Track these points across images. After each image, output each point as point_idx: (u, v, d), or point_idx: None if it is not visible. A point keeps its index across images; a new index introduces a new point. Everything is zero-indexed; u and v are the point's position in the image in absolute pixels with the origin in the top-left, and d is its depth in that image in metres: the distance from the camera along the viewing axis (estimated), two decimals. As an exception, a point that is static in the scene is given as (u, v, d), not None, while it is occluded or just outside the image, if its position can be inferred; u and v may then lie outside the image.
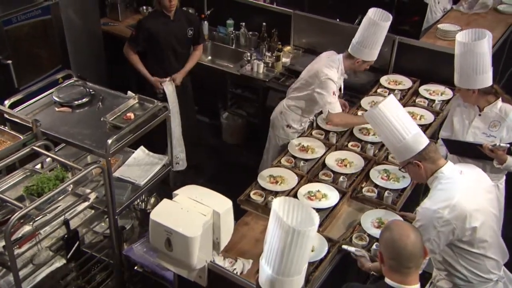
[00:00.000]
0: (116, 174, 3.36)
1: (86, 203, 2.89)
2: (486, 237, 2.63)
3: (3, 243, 2.52)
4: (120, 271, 3.32)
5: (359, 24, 3.81)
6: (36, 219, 2.63)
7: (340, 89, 3.96)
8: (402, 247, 2.14)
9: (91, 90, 3.50)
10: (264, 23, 5.18)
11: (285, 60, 4.99)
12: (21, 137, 3.02)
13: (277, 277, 1.95)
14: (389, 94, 4.33)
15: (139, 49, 4.49)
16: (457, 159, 3.38)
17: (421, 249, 2.17)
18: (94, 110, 3.37)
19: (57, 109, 3.36)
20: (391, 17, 3.67)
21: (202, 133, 5.43)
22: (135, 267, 3.28)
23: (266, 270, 1.98)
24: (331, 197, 3.29)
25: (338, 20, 4.97)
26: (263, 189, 3.39)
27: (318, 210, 3.03)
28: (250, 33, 5.35)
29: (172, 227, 2.35)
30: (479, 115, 3.36)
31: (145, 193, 3.52)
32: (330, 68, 3.75)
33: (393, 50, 4.60)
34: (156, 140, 3.57)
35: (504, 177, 3.48)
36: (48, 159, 3.03)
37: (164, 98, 4.35)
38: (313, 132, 3.94)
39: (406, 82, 4.46)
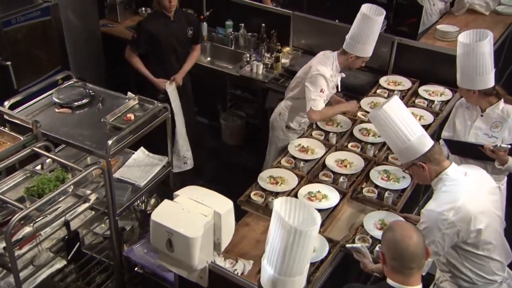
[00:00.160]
0: (116, 175, 3.36)
1: (87, 204, 2.88)
2: (491, 239, 2.63)
3: (4, 244, 2.52)
4: (120, 273, 3.31)
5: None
6: (37, 220, 2.63)
7: (337, 87, 3.97)
8: (405, 248, 2.14)
9: (91, 91, 3.50)
10: (263, 24, 5.18)
11: (285, 61, 4.99)
12: (21, 138, 3.01)
13: (279, 277, 1.95)
14: (388, 95, 4.34)
15: (141, 51, 4.49)
16: (459, 159, 3.38)
17: (423, 249, 2.17)
18: (94, 111, 3.37)
19: (57, 110, 3.37)
20: (384, 11, 3.69)
21: (203, 134, 5.43)
22: (136, 268, 3.28)
23: (268, 270, 1.98)
24: (331, 197, 3.29)
25: (337, 21, 4.97)
26: (264, 190, 3.39)
27: (318, 210, 2.95)
28: (249, 34, 5.35)
29: (173, 228, 2.35)
30: (481, 115, 3.36)
31: (145, 194, 3.53)
32: (323, 65, 3.77)
33: (392, 51, 4.60)
34: (156, 141, 3.57)
35: (506, 178, 3.48)
36: (48, 160, 3.02)
37: (165, 99, 4.34)
38: (313, 133, 3.94)
39: (405, 83, 4.46)
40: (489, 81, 3.25)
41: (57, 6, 4.61)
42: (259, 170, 3.59)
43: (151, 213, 2.46)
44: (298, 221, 1.88)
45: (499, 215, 2.72)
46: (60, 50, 4.78)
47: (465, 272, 2.71)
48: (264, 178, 3.45)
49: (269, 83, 4.80)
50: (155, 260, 3.13)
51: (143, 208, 3.65)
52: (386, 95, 4.33)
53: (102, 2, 5.69)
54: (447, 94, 4.32)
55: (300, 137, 3.94)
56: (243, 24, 5.34)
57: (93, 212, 3.06)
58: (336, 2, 6.07)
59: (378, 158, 3.65)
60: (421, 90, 4.37)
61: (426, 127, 3.92)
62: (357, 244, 2.88)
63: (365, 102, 4.24)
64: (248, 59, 5.01)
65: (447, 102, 4.24)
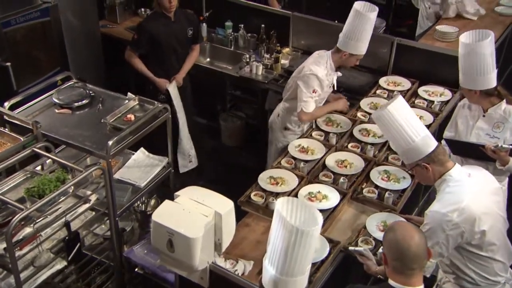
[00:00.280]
0: (116, 176, 3.36)
1: (87, 205, 2.88)
2: (495, 240, 2.63)
3: (4, 245, 2.51)
4: (121, 273, 3.31)
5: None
6: (37, 221, 2.63)
7: (333, 86, 3.98)
8: (406, 248, 2.14)
9: (91, 92, 3.50)
10: (262, 25, 5.18)
11: (284, 61, 4.99)
12: (21, 139, 3.01)
13: (281, 278, 1.95)
14: (388, 95, 4.34)
15: (141, 52, 4.48)
16: (460, 160, 3.38)
17: (425, 250, 2.17)
18: (94, 112, 3.37)
19: (57, 111, 3.37)
20: (377, 8, 3.70)
21: (202, 135, 5.43)
22: (136, 269, 3.28)
23: (269, 270, 1.98)
24: (332, 198, 3.29)
25: (336, 21, 4.97)
26: (264, 190, 3.39)
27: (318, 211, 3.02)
28: (249, 34, 5.35)
29: (174, 228, 2.35)
30: (483, 116, 3.36)
31: (145, 195, 3.52)
32: (316, 64, 3.78)
33: (392, 52, 4.61)
34: (156, 141, 3.56)
35: (507, 179, 3.47)
36: (49, 161, 3.02)
37: (166, 100, 4.34)
38: (313, 133, 3.94)
39: (405, 83, 4.46)
40: (491, 81, 3.25)
41: (57, 7, 4.60)
42: (259, 170, 3.58)
43: (151, 214, 2.46)
44: (300, 221, 1.88)
45: (502, 215, 2.72)
46: (60, 51, 4.78)
47: (468, 273, 2.71)
48: (264, 178, 3.45)
49: (269, 84, 4.79)
50: (155, 261, 3.13)
51: (143, 209, 3.64)
52: (385, 95, 4.33)
53: (101, 3, 5.68)
54: (447, 94, 4.32)
55: (300, 137, 3.94)
56: (242, 25, 5.34)
57: (94, 213, 3.06)
58: (335, 2, 6.08)
59: (378, 158, 3.65)
60: (421, 91, 4.37)
61: (426, 128, 3.92)
62: (360, 248, 2.86)
63: (364, 102, 4.24)
64: (248, 60, 5.01)
65: (446, 102, 4.24)
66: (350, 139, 3.89)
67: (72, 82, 3.60)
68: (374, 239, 3.02)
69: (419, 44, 4.83)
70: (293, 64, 4.97)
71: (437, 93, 4.33)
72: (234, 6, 5.43)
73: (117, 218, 3.16)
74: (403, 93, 4.35)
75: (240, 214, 3.22)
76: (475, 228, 2.55)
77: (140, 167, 3.50)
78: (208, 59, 5.52)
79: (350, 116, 4.10)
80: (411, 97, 4.35)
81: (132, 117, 3.27)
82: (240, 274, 2.81)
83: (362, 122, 4.02)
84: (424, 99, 4.28)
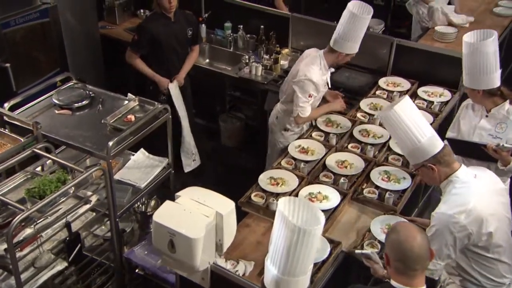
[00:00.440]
0: (117, 176, 3.35)
1: (88, 206, 2.88)
2: (501, 242, 2.62)
3: (5, 246, 2.51)
4: (121, 274, 3.31)
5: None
6: (38, 221, 2.62)
7: (327, 84, 3.99)
8: (409, 249, 2.13)
9: (91, 93, 3.50)
10: (262, 26, 5.18)
11: (284, 62, 4.99)
12: (22, 139, 3.01)
13: (283, 277, 1.95)
14: (387, 96, 4.34)
15: (142, 52, 4.48)
16: (461, 160, 3.37)
17: (427, 250, 2.16)
18: (94, 113, 3.37)
19: (57, 111, 3.36)
20: (372, 9, 3.70)
21: (201, 136, 5.42)
22: (136, 270, 3.27)
23: (271, 270, 1.98)
24: (332, 198, 3.29)
25: (335, 22, 4.97)
26: (264, 191, 3.38)
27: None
28: (248, 35, 5.35)
29: (175, 229, 2.34)
30: (486, 116, 3.36)
31: (146, 196, 3.52)
32: (310, 68, 3.79)
33: (391, 52, 4.61)
34: (156, 142, 3.56)
35: (509, 180, 3.43)
36: (49, 162, 3.02)
37: (167, 101, 4.34)
38: (313, 134, 3.94)
39: (404, 84, 4.47)
40: (494, 81, 3.24)
41: (56, 8, 4.60)
42: (259, 171, 3.58)
43: (151, 215, 2.46)
44: (302, 220, 1.88)
45: (508, 217, 2.71)
46: (59, 51, 4.78)
47: (473, 275, 2.70)
48: (264, 179, 3.45)
49: (268, 85, 4.80)
50: (155, 262, 3.13)
51: (143, 210, 3.63)
52: (385, 96, 4.34)
53: (100, 4, 5.68)
54: (446, 95, 4.32)
55: (300, 138, 3.94)
56: (241, 26, 5.35)
57: (94, 214, 3.05)
58: (333, 3, 6.08)
59: (378, 159, 3.65)
60: (420, 91, 4.38)
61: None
62: (367, 251, 2.84)
63: (364, 103, 4.24)
64: (247, 61, 5.01)
65: (446, 103, 4.25)
66: (350, 139, 3.89)
67: (72, 83, 3.60)
68: (380, 242, 3.00)
69: (419, 44, 4.84)
70: (293, 65, 4.95)
71: (437, 94, 4.34)
72: (233, 7, 5.43)
73: (117, 219, 3.15)
74: (403, 94, 4.35)
75: (240, 215, 3.22)
76: (482, 230, 2.55)
77: (140, 168, 3.50)
78: (207, 60, 5.52)
79: (350, 116, 4.10)
80: (410, 97, 4.31)
81: (133, 118, 3.26)
82: (240, 275, 2.81)
83: (362, 122, 4.02)
84: (424, 99, 4.29)
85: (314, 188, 3.36)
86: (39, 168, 2.99)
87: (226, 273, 2.57)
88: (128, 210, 3.34)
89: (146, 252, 3.23)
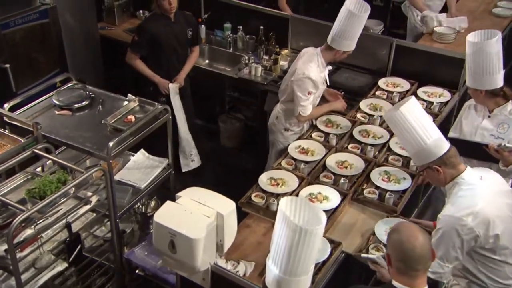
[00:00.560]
0: (117, 177, 3.35)
1: (88, 206, 2.88)
2: (507, 244, 2.61)
3: (5, 246, 2.51)
4: (121, 275, 3.30)
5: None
6: (38, 222, 2.62)
7: (326, 81, 4.01)
8: (410, 249, 2.12)
9: (91, 93, 3.50)
10: (261, 27, 5.18)
11: (283, 63, 4.99)
12: (22, 140, 3.00)
13: (284, 277, 1.95)
14: (387, 96, 4.34)
15: (142, 53, 4.48)
16: (462, 160, 3.37)
17: (429, 251, 2.15)
18: (94, 113, 3.37)
19: (57, 112, 3.36)
20: (369, 7, 3.70)
21: (201, 137, 5.42)
22: (136, 271, 3.27)
23: (273, 270, 1.98)
24: (332, 199, 3.29)
25: (335, 23, 4.98)
26: (264, 191, 3.38)
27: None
28: (248, 36, 5.35)
29: (176, 229, 2.34)
30: (488, 116, 3.36)
31: (146, 197, 3.51)
32: (308, 66, 3.81)
33: (390, 53, 4.61)
34: (156, 143, 3.56)
35: (510, 181, 3.43)
36: (49, 162, 3.01)
37: (166, 102, 4.34)
38: (313, 134, 3.94)
39: (404, 85, 4.47)
40: (496, 81, 3.24)
41: (56, 8, 4.60)
42: (259, 172, 3.58)
43: (151, 215, 2.46)
44: (304, 220, 1.88)
45: None
46: (59, 52, 4.77)
47: (480, 277, 2.69)
48: (264, 179, 3.45)
49: (268, 85, 4.80)
50: (156, 263, 3.13)
51: (143, 211, 3.62)
52: (385, 96, 4.34)
53: (99, 5, 5.68)
54: (446, 95, 4.33)
55: (300, 138, 3.95)
56: (241, 27, 5.34)
57: (94, 214, 3.05)
58: (333, 3, 6.08)
59: (378, 159, 3.66)
60: (420, 92, 4.38)
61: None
62: (373, 255, 2.81)
63: (364, 103, 4.25)
64: (247, 62, 5.01)
65: (446, 103, 4.25)
66: (350, 140, 3.89)
67: (72, 84, 3.60)
68: (385, 245, 2.96)
69: (418, 45, 4.85)
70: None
71: (436, 94, 4.34)
72: (232, 7, 5.43)
73: (117, 220, 3.15)
74: (402, 94, 4.36)
75: (240, 216, 3.21)
76: (489, 232, 2.54)
77: (140, 168, 3.49)
78: (207, 61, 5.52)
79: (349, 117, 4.10)
80: (410, 98, 4.35)
81: (133, 118, 3.26)
82: (241, 276, 2.81)
83: (362, 123, 4.02)
84: (423, 100, 4.29)
85: (314, 189, 3.36)
86: (39, 169, 2.98)
87: (226, 274, 2.57)
88: (128, 211, 3.33)
89: (146, 253, 3.23)
